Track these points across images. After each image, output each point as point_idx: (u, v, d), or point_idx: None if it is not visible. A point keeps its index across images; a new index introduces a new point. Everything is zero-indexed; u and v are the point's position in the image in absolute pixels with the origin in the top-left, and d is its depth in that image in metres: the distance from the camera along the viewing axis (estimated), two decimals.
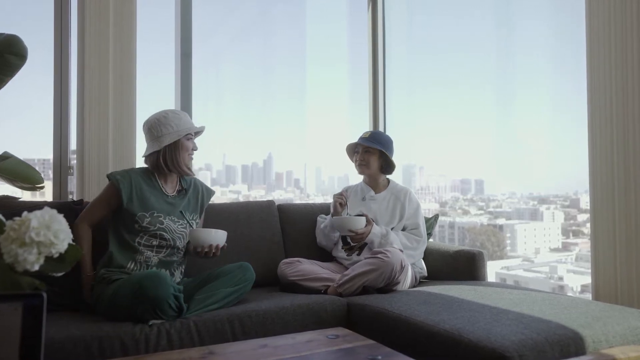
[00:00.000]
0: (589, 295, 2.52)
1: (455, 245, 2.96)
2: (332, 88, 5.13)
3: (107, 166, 2.77)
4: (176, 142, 2.27)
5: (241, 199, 4.57)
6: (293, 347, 1.47)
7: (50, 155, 2.83)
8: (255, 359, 1.39)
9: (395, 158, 2.86)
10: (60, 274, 1.10)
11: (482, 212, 4.47)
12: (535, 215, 4.16)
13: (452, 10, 4.28)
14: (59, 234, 1.06)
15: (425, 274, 2.77)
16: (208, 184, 2.58)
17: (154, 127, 2.26)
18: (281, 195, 5.04)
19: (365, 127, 3.87)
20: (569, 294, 3.30)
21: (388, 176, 2.94)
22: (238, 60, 4.86)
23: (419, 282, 2.68)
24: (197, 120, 3.19)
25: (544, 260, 4.03)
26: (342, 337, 1.55)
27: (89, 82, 2.77)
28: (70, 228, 1.99)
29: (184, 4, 3.20)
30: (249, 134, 4.91)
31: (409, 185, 3.39)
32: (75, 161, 2.81)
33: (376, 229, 2.63)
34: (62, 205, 2.39)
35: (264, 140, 5.02)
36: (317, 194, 5.05)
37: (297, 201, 4.56)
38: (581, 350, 1.59)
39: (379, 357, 1.36)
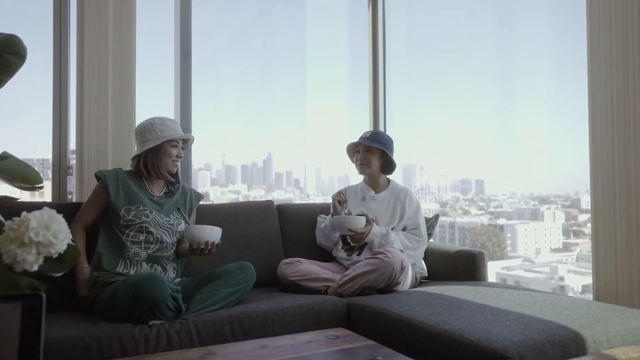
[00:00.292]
0: (589, 296, 2.52)
1: (456, 246, 2.95)
2: (332, 88, 5.13)
3: (107, 166, 2.76)
4: (157, 148, 2.34)
5: (241, 199, 4.56)
6: (293, 348, 1.46)
7: (49, 155, 2.83)
8: None
9: (395, 158, 2.85)
10: (59, 274, 1.10)
11: (482, 212, 4.47)
12: (535, 216, 4.16)
13: (452, 10, 4.28)
14: (58, 234, 1.05)
15: (426, 274, 2.77)
16: (207, 184, 2.59)
17: (140, 132, 2.37)
18: (281, 195, 5.04)
19: (366, 127, 3.87)
20: (570, 294, 3.29)
21: (388, 176, 2.93)
22: (238, 60, 4.86)
23: (419, 282, 2.67)
24: (196, 121, 3.20)
25: (545, 261, 4.02)
26: (342, 338, 1.55)
27: (89, 82, 2.76)
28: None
29: (184, 4, 3.19)
30: (248, 134, 4.91)
31: (409, 185, 3.38)
32: (74, 161, 2.81)
33: (376, 229, 2.63)
34: (61, 206, 2.39)
35: (264, 140, 5.02)
36: (317, 194, 5.04)
37: (297, 201, 4.55)
38: (582, 351, 1.59)
39: (379, 358, 1.35)
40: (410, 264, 2.57)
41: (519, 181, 4.18)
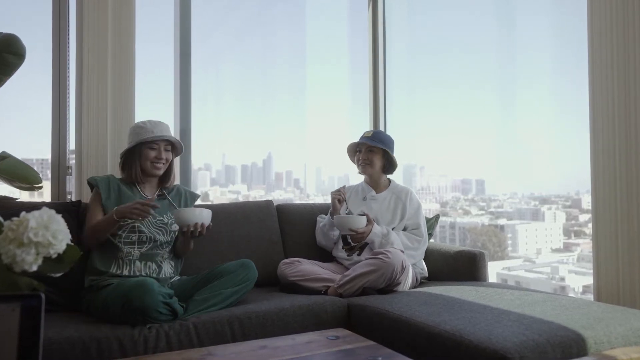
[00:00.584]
0: (590, 296, 2.52)
1: (456, 246, 2.95)
2: (332, 88, 5.13)
3: (106, 166, 2.76)
4: (134, 150, 2.34)
5: (241, 199, 4.55)
6: (293, 348, 1.46)
7: (48, 155, 2.82)
8: None
9: (395, 158, 2.85)
10: (58, 275, 1.09)
11: (483, 212, 4.47)
12: (536, 216, 4.15)
13: (452, 9, 4.28)
14: (57, 235, 1.05)
15: (426, 275, 2.76)
16: (207, 184, 2.59)
17: (128, 135, 2.40)
18: (281, 195, 5.03)
19: (366, 126, 3.86)
20: (571, 294, 3.29)
21: (389, 176, 2.93)
22: (237, 60, 4.86)
23: (419, 282, 2.67)
24: (196, 121, 3.20)
25: (546, 261, 4.02)
26: (342, 338, 1.55)
27: (88, 81, 2.76)
28: (81, 240, 2.00)
29: (183, 4, 3.19)
30: (248, 134, 4.91)
31: (409, 185, 3.38)
32: (73, 161, 2.80)
33: (377, 229, 2.62)
34: (61, 206, 2.38)
35: (264, 140, 5.02)
36: (317, 194, 5.04)
37: (297, 201, 4.55)
38: (583, 352, 1.58)
39: (380, 358, 1.35)
40: (411, 264, 2.57)
41: (520, 181, 4.18)
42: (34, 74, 2.82)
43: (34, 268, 1.02)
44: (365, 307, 2.15)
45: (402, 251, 2.54)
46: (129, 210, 2.09)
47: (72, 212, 2.35)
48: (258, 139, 4.98)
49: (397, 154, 2.85)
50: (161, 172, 2.37)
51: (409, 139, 4.04)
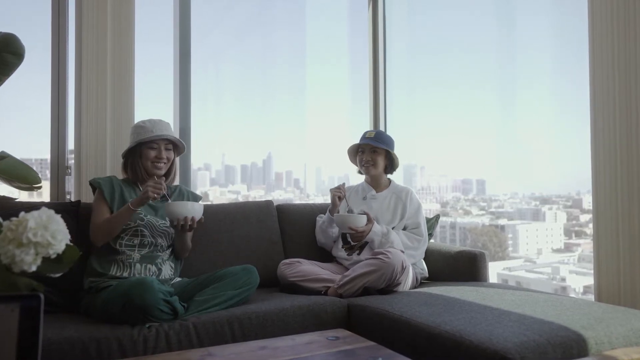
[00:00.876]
0: (591, 297, 2.51)
1: (457, 246, 2.95)
2: (332, 87, 5.12)
3: (105, 166, 2.75)
4: (134, 150, 2.35)
5: (240, 199, 4.55)
6: (293, 349, 1.46)
7: (47, 155, 2.81)
8: None
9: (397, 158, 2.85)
10: (57, 275, 1.09)
11: (483, 212, 4.46)
12: (537, 216, 4.15)
13: (452, 9, 4.27)
14: (56, 235, 1.04)
15: (426, 275, 2.76)
16: (207, 184, 2.58)
17: (130, 135, 2.41)
18: (281, 196, 5.02)
19: (366, 126, 3.86)
20: (572, 295, 3.28)
21: (389, 176, 2.93)
22: (237, 59, 4.85)
23: (419, 283, 2.67)
24: (196, 120, 3.20)
25: (546, 261, 4.01)
26: (342, 339, 1.54)
27: (87, 81, 2.75)
28: (92, 241, 1.98)
29: (183, 3, 3.19)
30: (248, 134, 4.90)
31: (409, 185, 3.37)
32: (72, 161, 2.79)
33: (377, 228, 2.61)
34: (60, 206, 2.38)
35: (264, 140, 5.01)
36: (317, 194, 5.03)
37: (297, 201, 4.54)
38: (584, 352, 1.58)
39: (380, 359, 1.35)
40: (411, 263, 2.56)
41: (521, 181, 4.18)
42: (33, 73, 2.81)
43: (33, 268, 1.02)
44: (366, 308, 2.14)
45: (402, 251, 2.54)
46: (144, 193, 2.13)
47: (72, 212, 2.34)
48: (258, 139, 4.97)
49: (398, 154, 2.85)
50: (162, 171, 2.36)
51: (409, 139, 4.04)
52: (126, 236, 2.21)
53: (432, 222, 2.98)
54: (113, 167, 2.75)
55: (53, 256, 1.04)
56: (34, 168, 2.32)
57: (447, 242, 4.29)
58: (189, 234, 2.34)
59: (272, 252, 2.78)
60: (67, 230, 1.08)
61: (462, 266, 2.67)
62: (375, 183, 2.88)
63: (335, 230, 2.80)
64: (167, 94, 3.22)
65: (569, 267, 3.82)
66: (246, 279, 2.17)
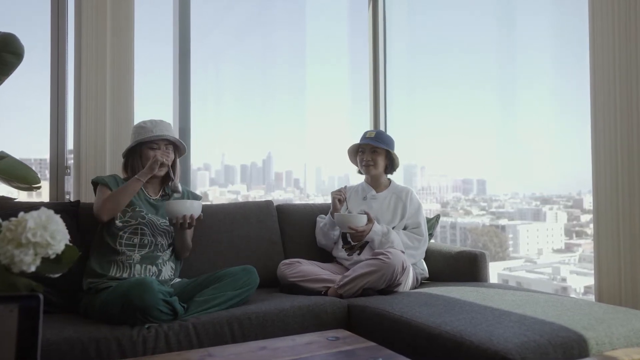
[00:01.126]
0: (592, 297, 2.51)
1: (457, 246, 2.94)
2: (332, 87, 5.11)
3: (104, 166, 2.75)
4: (135, 150, 2.37)
5: (240, 199, 4.55)
6: (292, 349, 1.45)
7: (47, 155, 2.81)
8: None
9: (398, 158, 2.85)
10: (57, 275, 1.08)
11: (484, 212, 4.46)
12: (538, 216, 4.14)
13: (452, 9, 4.27)
14: (55, 235, 1.04)
15: (427, 275, 2.75)
16: (206, 184, 2.59)
17: (131, 135, 2.44)
18: (281, 196, 5.02)
19: (366, 126, 3.85)
20: (572, 295, 3.28)
21: (389, 176, 2.93)
22: (237, 59, 4.84)
23: (420, 283, 2.66)
24: (195, 120, 3.19)
25: (547, 261, 4.01)
26: (342, 339, 1.54)
27: (86, 81, 2.75)
28: (97, 217, 2.10)
29: (183, 3, 3.18)
30: (248, 134, 4.89)
31: (410, 185, 3.37)
32: (72, 161, 2.79)
33: (377, 228, 2.61)
34: (59, 206, 2.37)
35: (264, 139, 5.00)
36: (317, 194, 5.03)
37: (297, 201, 4.54)
38: (584, 353, 1.58)
39: (380, 359, 1.34)
40: (412, 263, 2.56)
41: (521, 181, 4.17)
42: (33, 73, 2.81)
43: (32, 269, 1.02)
44: (366, 308, 2.14)
45: (403, 251, 2.53)
46: (152, 159, 2.22)
47: (71, 213, 2.34)
48: (258, 138, 4.97)
49: (398, 154, 2.85)
50: (163, 172, 2.36)
51: (409, 139, 4.03)
52: (125, 234, 2.20)
53: (432, 222, 2.98)
54: (113, 167, 2.74)
55: (52, 256, 1.04)
56: (33, 168, 2.32)
57: (447, 242, 4.29)
58: (189, 232, 2.33)
59: (272, 253, 2.78)
60: (66, 231, 1.08)
61: (463, 266, 2.67)
62: (376, 183, 2.88)
63: (336, 233, 2.80)
64: (167, 93, 3.22)
65: (569, 268, 3.81)
66: (246, 279, 2.17)
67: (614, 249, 2.30)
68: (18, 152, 2.32)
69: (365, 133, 2.87)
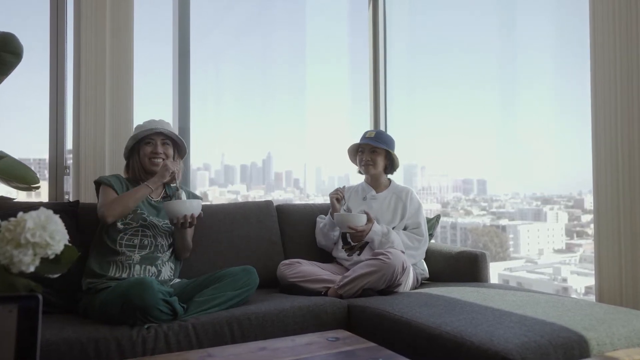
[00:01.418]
0: (593, 297, 2.50)
1: (458, 246, 2.93)
2: (332, 87, 5.12)
3: (104, 166, 2.74)
4: (134, 149, 2.39)
5: (240, 199, 4.55)
6: (292, 350, 1.45)
7: (46, 155, 2.80)
8: None
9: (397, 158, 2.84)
10: (56, 276, 1.08)
11: (484, 212, 4.46)
12: (538, 216, 4.14)
13: (453, 9, 4.27)
14: (54, 235, 1.04)
15: (427, 276, 2.75)
16: (206, 184, 2.58)
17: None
18: (280, 196, 5.02)
19: (366, 126, 3.85)
20: (573, 295, 3.28)
21: (389, 176, 2.92)
22: (237, 59, 4.85)
23: (420, 283, 2.66)
24: (195, 120, 3.19)
25: (548, 262, 4.01)
26: (342, 340, 1.53)
27: (86, 81, 2.74)
28: (102, 219, 2.09)
29: (182, 2, 3.17)
30: (248, 134, 4.90)
31: (410, 185, 3.37)
32: (71, 161, 2.79)
33: (377, 227, 2.61)
34: (58, 206, 2.37)
35: (263, 139, 5.00)
36: (317, 194, 5.03)
37: (297, 201, 4.54)
38: (585, 353, 1.57)
39: None
40: (412, 264, 2.55)
41: (522, 181, 4.18)
42: (32, 73, 2.81)
43: (32, 269, 1.02)
44: (366, 309, 2.14)
45: (403, 252, 2.53)
46: (160, 174, 2.22)
47: (70, 213, 2.33)
48: (257, 138, 4.97)
49: (398, 154, 2.85)
50: (169, 179, 2.32)
51: (410, 138, 4.03)
52: (126, 235, 2.20)
53: (432, 223, 2.97)
54: (112, 167, 2.74)
55: (51, 257, 1.04)
56: (33, 168, 2.31)
57: (447, 242, 4.29)
58: (190, 232, 2.33)
59: (271, 253, 2.77)
60: (65, 231, 1.07)
61: (463, 267, 2.66)
62: (375, 183, 2.87)
63: (336, 233, 2.80)
64: (167, 93, 3.21)
65: (570, 268, 3.81)
66: (246, 279, 2.16)
67: (614, 249, 2.30)
68: (17, 152, 2.32)
69: (365, 133, 2.86)
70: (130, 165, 2.41)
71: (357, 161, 2.88)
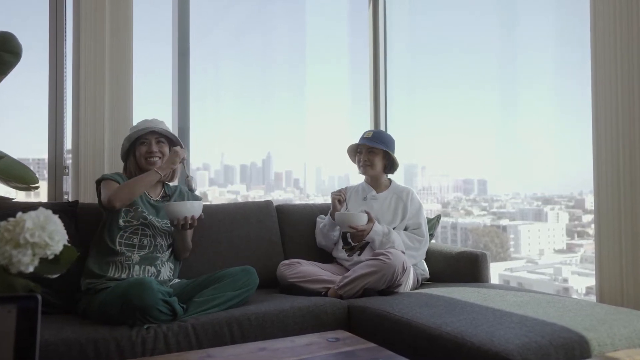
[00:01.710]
0: (593, 298, 2.50)
1: (458, 247, 2.93)
2: (332, 87, 5.11)
3: (103, 166, 2.74)
4: (129, 151, 2.40)
5: (240, 199, 4.54)
6: (292, 350, 1.44)
7: (45, 155, 2.80)
8: None
9: (396, 158, 2.83)
10: (55, 276, 1.08)
11: (485, 212, 4.46)
12: (539, 216, 4.14)
13: (453, 9, 4.27)
14: (53, 235, 1.04)
15: (427, 276, 2.74)
16: (206, 184, 2.58)
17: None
18: (280, 196, 5.02)
19: (366, 126, 3.85)
20: (574, 296, 3.28)
21: (389, 176, 2.92)
22: (237, 58, 4.84)
23: (420, 283, 2.65)
24: (195, 120, 3.18)
25: (548, 262, 4.01)
26: (342, 340, 1.53)
27: (85, 80, 2.74)
28: (109, 204, 2.09)
29: (182, 1, 3.17)
30: (247, 133, 4.89)
31: (410, 185, 3.37)
32: (70, 161, 2.78)
33: (378, 227, 2.60)
34: (57, 206, 2.36)
35: (263, 139, 5.00)
36: (317, 194, 5.02)
37: (297, 201, 4.53)
38: (586, 354, 1.57)
39: None
40: (412, 264, 2.55)
41: (522, 181, 4.18)
42: (31, 72, 2.80)
43: (30, 269, 1.02)
44: (366, 309, 2.13)
45: (403, 252, 2.52)
46: (170, 160, 2.24)
47: (69, 213, 2.32)
48: (257, 138, 4.97)
49: (398, 154, 2.84)
50: (157, 166, 2.32)
51: (410, 138, 4.03)
52: (125, 234, 2.19)
53: (433, 223, 2.97)
54: (111, 167, 2.74)
55: (50, 257, 1.04)
56: (32, 168, 2.31)
57: (448, 242, 4.28)
58: (190, 233, 2.33)
59: (271, 253, 2.77)
60: (64, 231, 1.07)
61: (464, 267, 2.66)
62: (376, 183, 2.87)
63: (336, 234, 2.79)
64: (166, 93, 3.21)
65: (571, 268, 3.81)
66: (245, 279, 2.16)
67: (615, 249, 2.30)
68: (16, 152, 2.31)
69: (364, 133, 2.86)
70: (127, 167, 2.42)
71: (356, 161, 2.88)
